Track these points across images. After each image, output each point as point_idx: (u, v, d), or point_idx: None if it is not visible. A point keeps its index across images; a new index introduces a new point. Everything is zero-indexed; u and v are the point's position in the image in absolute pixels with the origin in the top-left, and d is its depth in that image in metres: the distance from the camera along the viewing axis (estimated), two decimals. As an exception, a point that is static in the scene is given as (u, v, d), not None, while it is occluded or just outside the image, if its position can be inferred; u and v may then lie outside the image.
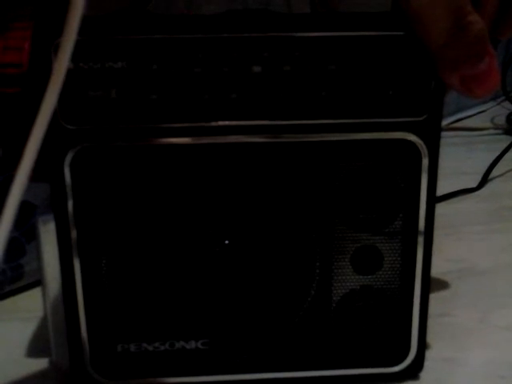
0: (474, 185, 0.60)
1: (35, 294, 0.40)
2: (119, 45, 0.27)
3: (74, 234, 0.29)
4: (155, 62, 0.27)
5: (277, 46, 0.27)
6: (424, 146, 0.29)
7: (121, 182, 0.29)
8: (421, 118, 0.29)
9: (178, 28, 0.27)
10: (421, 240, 0.30)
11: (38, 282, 0.36)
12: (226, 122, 0.28)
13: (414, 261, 0.31)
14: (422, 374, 0.33)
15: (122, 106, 0.28)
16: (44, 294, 0.32)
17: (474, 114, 0.83)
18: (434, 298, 0.32)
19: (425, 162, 0.29)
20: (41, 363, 0.34)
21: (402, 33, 0.27)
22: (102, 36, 0.27)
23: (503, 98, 0.83)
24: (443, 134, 0.29)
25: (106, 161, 0.28)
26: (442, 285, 0.42)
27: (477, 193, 0.59)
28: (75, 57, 0.26)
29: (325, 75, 0.28)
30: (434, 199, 0.30)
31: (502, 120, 0.80)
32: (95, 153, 0.28)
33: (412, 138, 0.29)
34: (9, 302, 0.41)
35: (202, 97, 0.28)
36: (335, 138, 0.29)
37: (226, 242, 0.30)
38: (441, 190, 0.57)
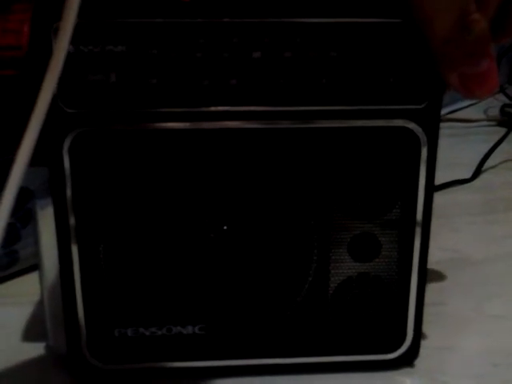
0: (467, 176, 0.60)
1: (30, 279, 0.40)
2: (120, 28, 0.27)
3: (72, 218, 0.29)
4: (156, 46, 0.27)
5: (278, 32, 0.27)
6: (423, 134, 0.29)
7: (119, 165, 0.28)
8: (421, 106, 0.29)
9: (179, 12, 0.27)
10: (418, 228, 0.30)
11: (33, 267, 0.35)
12: (226, 108, 0.28)
13: (411, 249, 0.31)
14: (417, 362, 0.33)
15: (122, 90, 0.27)
16: (41, 278, 0.32)
17: (468, 106, 0.83)
18: (428, 287, 0.33)
19: (424, 150, 0.29)
20: (37, 348, 0.34)
21: (403, 20, 0.27)
22: (103, 19, 0.26)
23: (497, 90, 0.83)
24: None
25: (104, 145, 0.28)
26: (436, 274, 0.42)
27: (470, 184, 0.59)
28: (75, 40, 0.26)
29: (326, 62, 0.28)
30: (432, 187, 0.30)
31: (495, 112, 0.80)
32: (94, 136, 0.28)
33: (411, 125, 0.29)
34: (3, 288, 0.41)
35: (202, 82, 0.28)
36: (335, 125, 0.29)
37: (224, 227, 0.30)
38: (435, 181, 0.58)
